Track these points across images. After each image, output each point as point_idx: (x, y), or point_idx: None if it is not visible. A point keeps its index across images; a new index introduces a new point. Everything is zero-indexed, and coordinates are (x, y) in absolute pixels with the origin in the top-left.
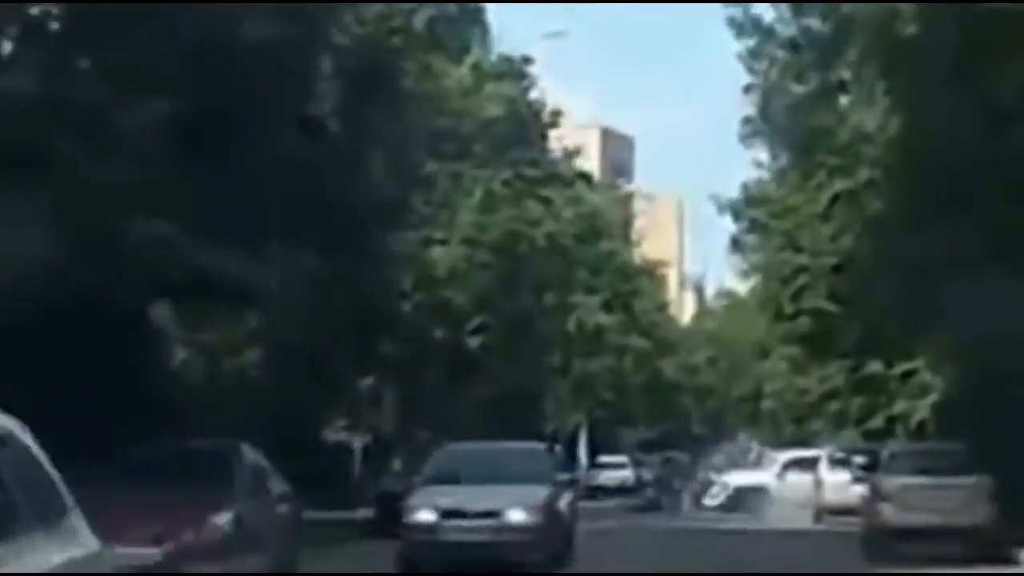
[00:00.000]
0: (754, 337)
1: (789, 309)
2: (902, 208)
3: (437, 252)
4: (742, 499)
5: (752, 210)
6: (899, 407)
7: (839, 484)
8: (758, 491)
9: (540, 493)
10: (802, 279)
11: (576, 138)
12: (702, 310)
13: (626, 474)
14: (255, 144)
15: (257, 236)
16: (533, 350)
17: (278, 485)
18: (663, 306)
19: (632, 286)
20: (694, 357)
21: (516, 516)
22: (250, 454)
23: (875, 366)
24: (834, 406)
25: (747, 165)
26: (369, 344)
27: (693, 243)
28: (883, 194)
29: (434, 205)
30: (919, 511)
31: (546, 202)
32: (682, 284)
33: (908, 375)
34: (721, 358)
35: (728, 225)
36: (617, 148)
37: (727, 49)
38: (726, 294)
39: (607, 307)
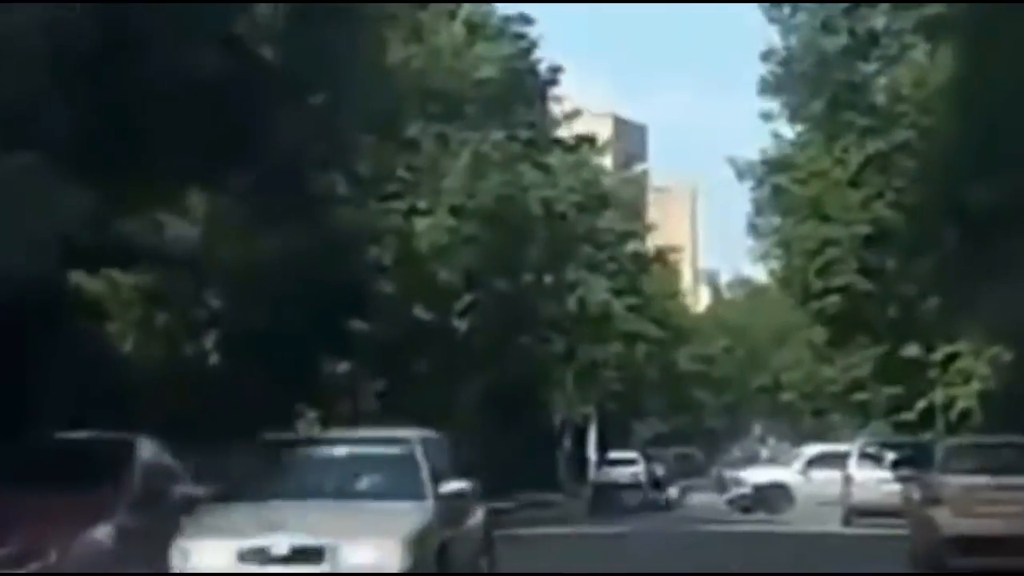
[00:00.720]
0: (773, 325)
1: (816, 286)
2: (953, 158)
3: (421, 223)
4: (762, 498)
5: (774, 176)
6: (939, 396)
7: (871, 482)
8: (779, 489)
9: (412, 516)
10: (830, 252)
11: (588, 127)
12: (717, 300)
13: (637, 470)
14: (162, 65)
15: (174, 186)
16: (531, 334)
17: (187, 488)
18: (676, 293)
19: (642, 268)
20: (709, 347)
21: (360, 556)
22: (147, 450)
23: (912, 350)
24: (860, 396)
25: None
26: (337, 325)
27: (707, 235)
28: (930, 146)
29: (418, 171)
30: (983, 517)
31: (543, 168)
32: (696, 277)
33: (950, 360)
34: (737, 348)
35: (743, 213)
36: (630, 137)
37: (746, 39)
38: (742, 282)
39: (616, 290)
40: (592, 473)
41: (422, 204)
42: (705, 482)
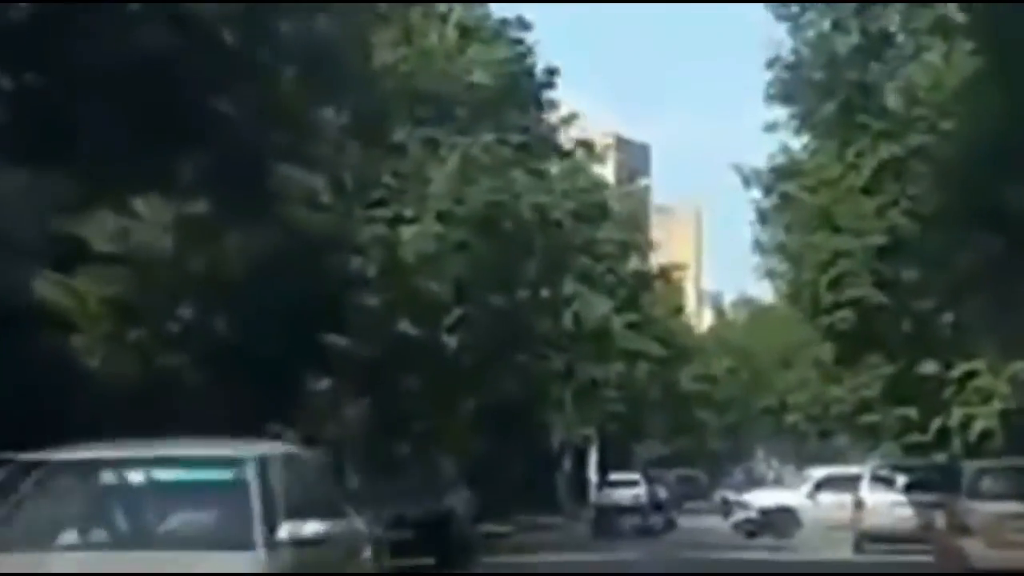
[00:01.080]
0: (777, 345)
1: (826, 300)
2: (973, 162)
3: (407, 232)
4: (768, 522)
5: (782, 184)
6: (956, 416)
7: (884, 506)
8: (786, 513)
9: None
10: (842, 265)
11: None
12: (721, 321)
13: (638, 492)
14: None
15: (120, 179)
16: (527, 351)
17: None
18: (679, 310)
19: (643, 285)
20: (712, 367)
21: None
22: None
23: (928, 367)
24: (869, 417)
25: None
26: (314, 339)
27: (711, 257)
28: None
29: (404, 177)
30: (1018, 548)
31: (537, 174)
32: (700, 298)
33: (968, 377)
34: (741, 369)
35: (748, 232)
36: (633, 155)
37: (751, 50)
38: (746, 302)
39: (616, 307)
40: (593, 495)
41: (408, 212)
42: (708, 505)
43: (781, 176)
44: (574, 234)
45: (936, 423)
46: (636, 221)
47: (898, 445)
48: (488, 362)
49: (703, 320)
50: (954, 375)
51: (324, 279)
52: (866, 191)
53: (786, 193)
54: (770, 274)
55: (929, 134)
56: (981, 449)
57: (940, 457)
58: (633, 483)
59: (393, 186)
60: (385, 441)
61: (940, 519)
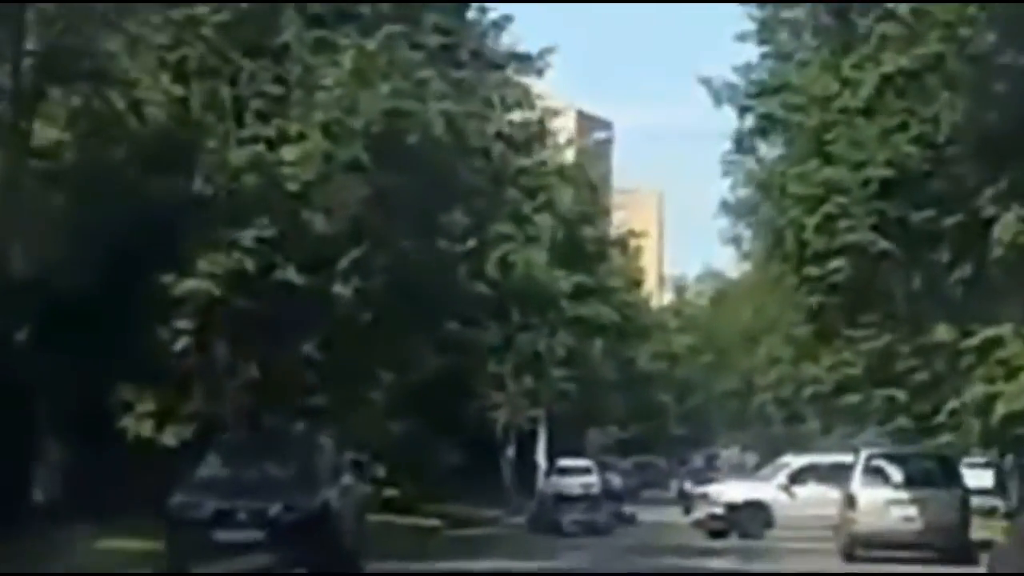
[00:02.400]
0: (744, 321)
1: (818, 246)
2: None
3: (290, 153)
4: (734, 518)
5: (762, 102)
6: (971, 394)
7: (879, 503)
8: (757, 508)
9: None
10: (836, 202)
11: (550, 122)
12: (682, 299)
13: (590, 480)
14: None
15: None
16: (444, 310)
17: None
18: (638, 283)
19: (599, 251)
20: (673, 345)
21: None
22: None
23: (942, 332)
24: (851, 398)
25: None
26: (154, 284)
27: (674, 244)
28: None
29: (289, 84)
30: None
31: (457, 84)
32: (661, 283)
33: (991, 346)
34: (704, 348)
35: (711, 223)
36: (596, 134)
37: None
38: (712, 275)
39: (561, 264)
40: (541, 484)
41: (294, 129)
42: (668, 495)
43: (763, 93)
44: (503, 161)
45: (952, 403)
46: (596, 185)
47: (883, 430)
48: (396, 322)
49: (664, 303)
50: (973, 343)
51: (166, 208)
52: (866, 112)
53: (768, 115)
54: (736, 240)
55: (945, 42)
56: (1008, 435)
57: (942, 444)
58: (584, 470)
59: (277, 95)
60: (261, 419)
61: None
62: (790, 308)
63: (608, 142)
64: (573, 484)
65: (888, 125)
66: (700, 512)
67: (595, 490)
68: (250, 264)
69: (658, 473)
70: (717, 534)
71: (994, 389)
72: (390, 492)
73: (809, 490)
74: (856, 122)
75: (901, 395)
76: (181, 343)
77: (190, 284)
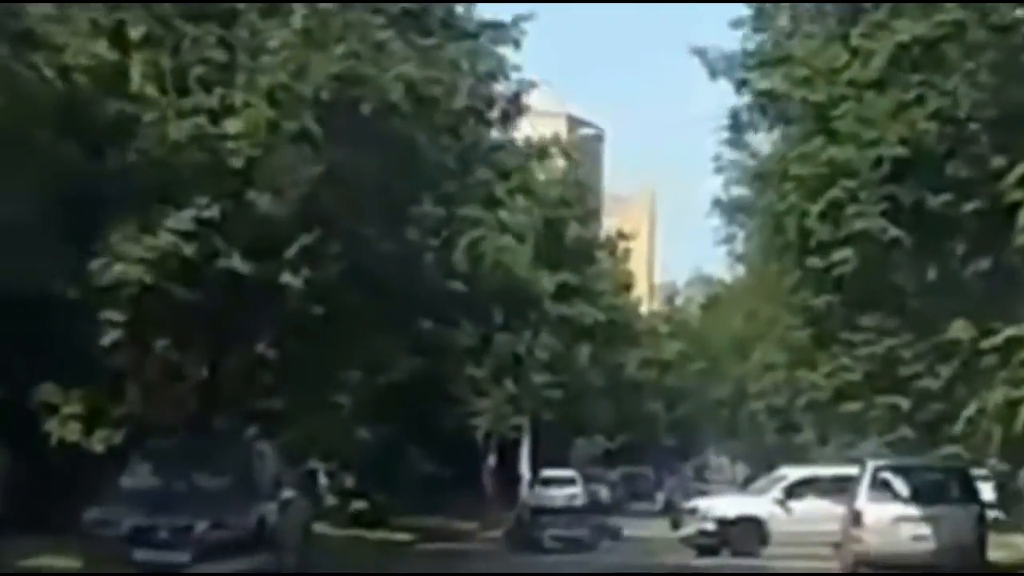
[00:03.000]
0: (736, 328)
1: (822, 235)
2: None
3: (234, 125)
4: (726, 535)
5: (762, 75)
6: (993, 399)
7: (886, 521)
8: (751, 524)
9: None
10: (843, 185)
11: (539, 127)
12: (673, 307)
13: (574, 491)
14: None
15: None
16: (410, 303)
17: None
18: (627, 287)
19: (587, 256)
20: (663, 352)
21: None
22: None
23: (958, 329)
24: (851, 407)
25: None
26: (79, 270)
27: (666, 251)
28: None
29: (234, 49)
30: None
31: (422, 51)
32: (652, 292)
33: (1014, 346)
34: (695, 355)
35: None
36: (585, 137)
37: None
38: (703, 280)
39: (538, 255)
40: (524, 496)
41: (239, 99)
42: (657, 507)
43: (762, 64)
44: (474, 136)
45: (969, 409)
46: (580, 181)
47: (885, 440)
48: (355, 317)
49: (654, 310)
50: (994, 343)
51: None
52: (877, 85)
53: (768, 90)
54: (729, 239)
55: (966, 9)
56: None
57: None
58: (569, 481)
59: (221, 62)
60: (210, 423)
61: None
62: (786, 310)
63: (598, 139)
64: (556, 496)
65: (902, 99)
66: (690, 528)
67: (578, 502)
68: (189, 249)
69: (646, 484)
70: (708, 551)
71: (1017, 394)
72: (359, 505)
73: (807, 504)
74: (866, 96)
75: (905, 403)
76: (110, 336)
77: (118, 269)
